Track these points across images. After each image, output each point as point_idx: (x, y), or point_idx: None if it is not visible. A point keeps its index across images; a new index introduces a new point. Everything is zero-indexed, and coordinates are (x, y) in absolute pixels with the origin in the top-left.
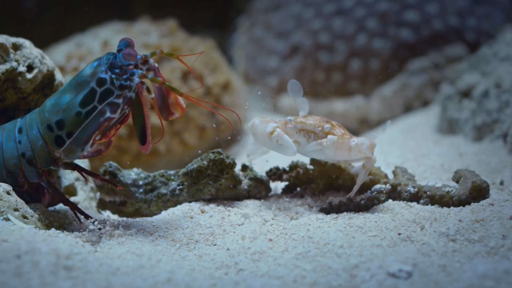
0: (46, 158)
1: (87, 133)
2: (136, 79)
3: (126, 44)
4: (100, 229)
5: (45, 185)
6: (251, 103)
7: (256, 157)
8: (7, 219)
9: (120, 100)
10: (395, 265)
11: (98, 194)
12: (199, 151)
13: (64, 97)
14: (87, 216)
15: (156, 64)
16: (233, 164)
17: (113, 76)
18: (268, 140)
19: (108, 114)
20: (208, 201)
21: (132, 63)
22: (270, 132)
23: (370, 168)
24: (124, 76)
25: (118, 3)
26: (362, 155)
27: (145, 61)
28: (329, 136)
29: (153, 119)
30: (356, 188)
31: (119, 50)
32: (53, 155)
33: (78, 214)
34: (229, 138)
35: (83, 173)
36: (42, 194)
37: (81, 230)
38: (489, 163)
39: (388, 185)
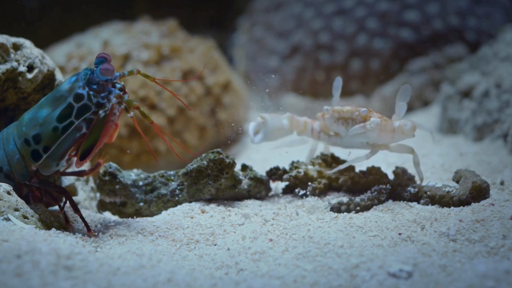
0: (23, 172)
1: (63, 148)
2: (113, 99)
3: (103, 60)
4: (97, 234)
5: (37, 185)
6: (252, 102)
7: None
8: (8, 219)
9: (96, 118)
10: (396, 265)
11: (98, 195)
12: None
13: (42, 111)
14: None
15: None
16: (232, 164)
17: (91, 92)
18: None
19: (84, 130)
20: (209, 201)
21: (110, 78)
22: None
23: (418, 159)
24: (102, 94)
25: (118, 3)
26: (405, 137)
27: (122, 89)
28: (372, 119)
29: (153, 118)
30: (419, 174)
31: (96, 66)
32: (30, 169)
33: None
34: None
35: (68, 201)
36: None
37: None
38: (490, 163)
39: (388, 185)
